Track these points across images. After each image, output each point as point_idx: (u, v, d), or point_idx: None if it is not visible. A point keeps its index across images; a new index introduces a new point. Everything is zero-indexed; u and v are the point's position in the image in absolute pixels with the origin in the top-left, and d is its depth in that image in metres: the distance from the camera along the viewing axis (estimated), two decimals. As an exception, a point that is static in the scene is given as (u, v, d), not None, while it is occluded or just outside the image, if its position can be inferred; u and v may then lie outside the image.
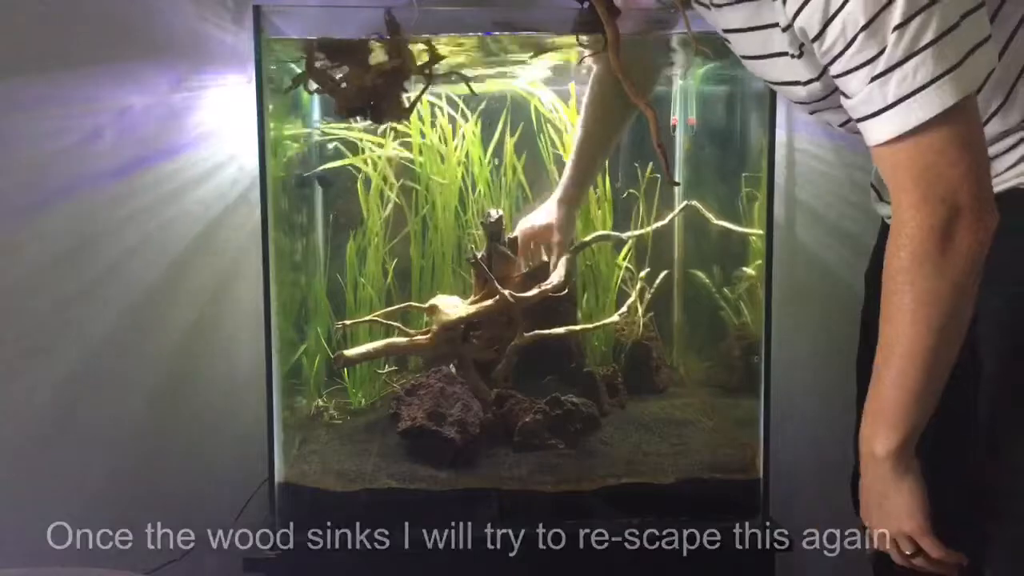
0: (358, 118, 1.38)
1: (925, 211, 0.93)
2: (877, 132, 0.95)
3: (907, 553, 1.05)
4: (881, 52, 0.91)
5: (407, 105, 1.39)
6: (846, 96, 0.98)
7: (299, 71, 1.38)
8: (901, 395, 0.98)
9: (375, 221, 1.71)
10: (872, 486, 1.05)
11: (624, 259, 1.77)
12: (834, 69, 0.97)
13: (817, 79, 1.04)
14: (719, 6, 1.09)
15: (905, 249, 0.94)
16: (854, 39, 0.92)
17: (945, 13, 0.89)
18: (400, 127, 1.69)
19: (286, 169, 1.55)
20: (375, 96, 1.35)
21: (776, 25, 1.02)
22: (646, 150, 1.66)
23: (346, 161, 1.69)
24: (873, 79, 0.92)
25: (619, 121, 1.59)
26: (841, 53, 0.94)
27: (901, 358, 0.97)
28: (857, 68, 0.94)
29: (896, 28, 0.90)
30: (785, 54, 1.04)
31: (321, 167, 1.69)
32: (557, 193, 1.63)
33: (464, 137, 1.71)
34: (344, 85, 1.35)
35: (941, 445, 1.07)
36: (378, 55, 1.36)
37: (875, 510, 1.06)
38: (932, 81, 0.90)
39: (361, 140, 1.69)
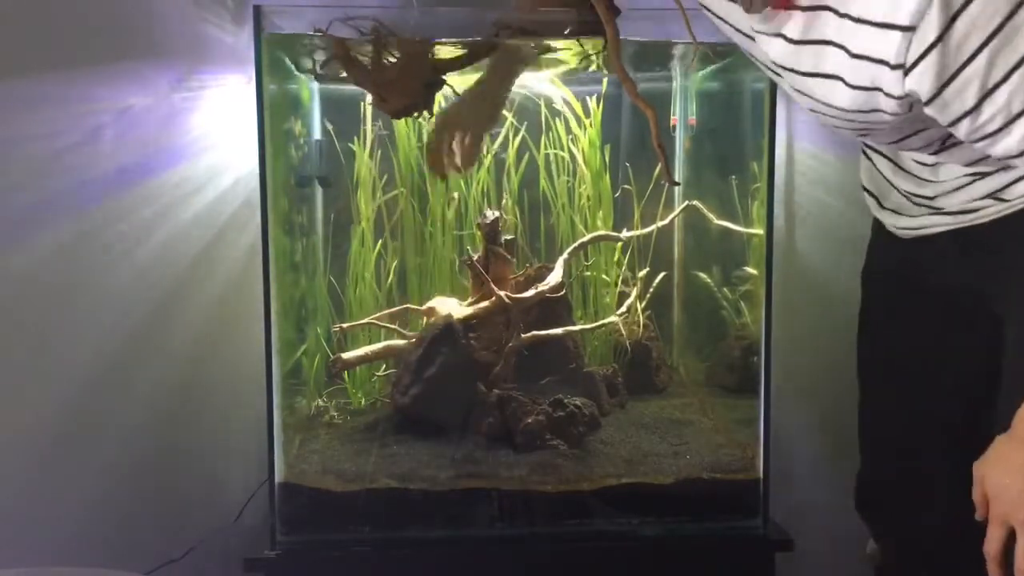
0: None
1: None
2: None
3: None
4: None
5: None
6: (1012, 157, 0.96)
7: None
8: None
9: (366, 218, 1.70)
10: None
11: (624, 260, 1.76)
12: (971, 133, 0.95)
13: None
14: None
15: None
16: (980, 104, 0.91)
17: None
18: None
19: (286, 170, 1.55)
20: (424, 93, 1.30)
21: (831, 43, 0.98)
22: (646, 150, 1.66)
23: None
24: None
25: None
26: (963, 117, 0.93)
27: None
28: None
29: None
30: (841, 79, 1.00)
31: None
32: None
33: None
34: (386, 81, 1.28)
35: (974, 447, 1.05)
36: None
37: None
38: None
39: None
